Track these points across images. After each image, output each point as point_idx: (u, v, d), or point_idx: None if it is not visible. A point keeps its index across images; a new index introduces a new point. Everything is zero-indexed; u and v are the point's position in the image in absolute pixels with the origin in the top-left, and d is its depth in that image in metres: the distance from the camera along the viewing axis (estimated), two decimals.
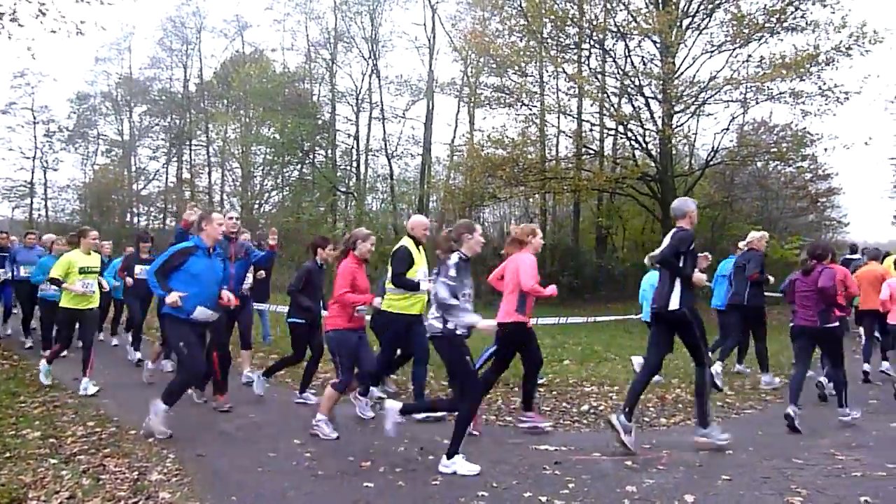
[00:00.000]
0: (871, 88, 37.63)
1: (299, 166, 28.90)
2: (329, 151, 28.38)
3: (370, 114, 28.32)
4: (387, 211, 27.01)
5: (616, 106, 18.78)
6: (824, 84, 17.13)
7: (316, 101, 28.43)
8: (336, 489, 4.46)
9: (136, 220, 32.68)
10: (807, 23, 17.14)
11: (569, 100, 20.46)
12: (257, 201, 30.11)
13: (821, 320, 6.15)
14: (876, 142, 49.68)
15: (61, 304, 7.28)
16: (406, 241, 6.36)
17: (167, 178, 33.54)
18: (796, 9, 17.12)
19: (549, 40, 18.91)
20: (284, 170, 29.36)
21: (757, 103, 18.80)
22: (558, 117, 20.81)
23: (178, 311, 5.52)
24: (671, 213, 5.88)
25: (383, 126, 28.01)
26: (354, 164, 28.82)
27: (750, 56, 17.84)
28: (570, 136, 20.68)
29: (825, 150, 18.56)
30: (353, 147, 28.61)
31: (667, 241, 5.63)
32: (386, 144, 27.88)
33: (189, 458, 5.01)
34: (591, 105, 20.46)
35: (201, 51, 32.50)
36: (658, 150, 18.42)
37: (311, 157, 28.05)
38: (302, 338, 7.02)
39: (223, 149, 31.64)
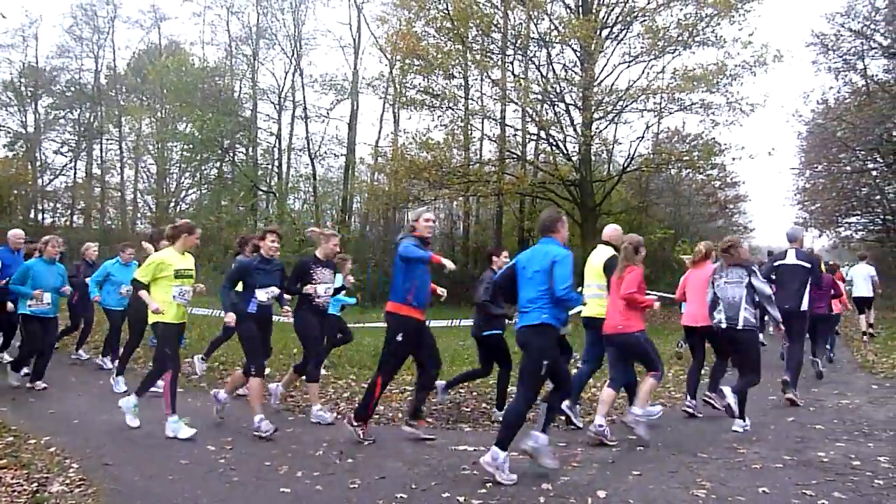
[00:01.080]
0: (774, 102, 40.10)
1: (218, 164, 28.04)
2: (250, 149, 27.70)
3: (293, 112, 27.84)
4: (310, 211, 26.56)
5: (538, 112, 19.17)
6: (732, 97, 18.10)
7: (237, 97, 27.69)
8: (251, 495, 4.36)
9: (40, 217, 30.82)
10: (717, 38, 18.06)
11: (493, 104, 20.73)
12: (173, 200, 29.02)
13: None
14: (779, 152, 52.95)
15: (156, 320, 5.77)
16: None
17: (75, 174, 31.81)
18: (707, 25, 18.01)
19: (474, 44, 19.12)
20: (203, 167, 28.43)
21: (670, 113, 19.71)
22: (482, 121, 21.06)
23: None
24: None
25: (306, 125, 27.61)
26: (276, 163, 28.26)
27: (664, 68, 18.68)
28: (494, 141, 20.97)
29: (733, 159, 19.65)
30: (274, 146, 28.06)
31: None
32: (309, 144, 27.48)
33: (94, 467, 4.78)
34: (515, 110, 20.82)
35: (114, 41, 31.01)
36: (578, 155, 18.93)
37: (231, 154, 27.29)
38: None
39: (137, 144, 30.29)
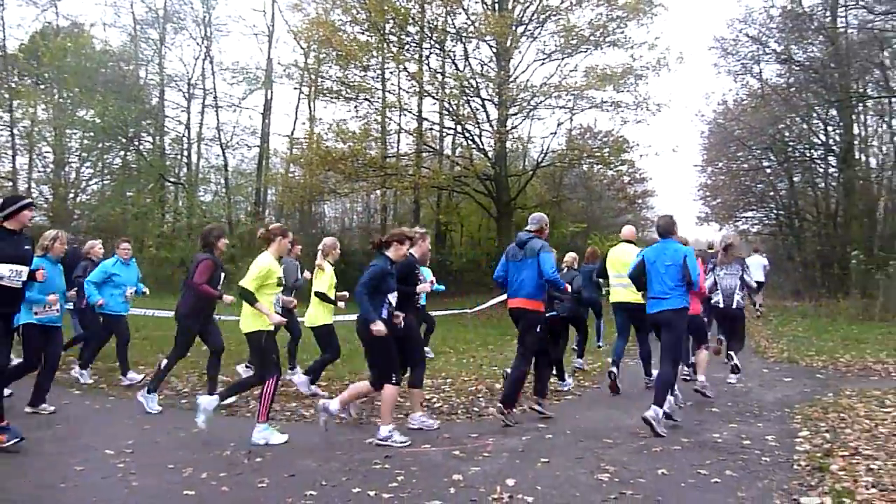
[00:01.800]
0: (679, 102, 42.11)
1: (123, 153, 26.62)
2: (157, 138, 26.46)
3: (203, 101, 26.80)
4: (221, 203, 25.70)
5: (455, 106, 19.31)
6: (639, 96, 18.86)
7: (143, 83, 26.36)
8: (152, 500, 4.18)
9: None
10: (626, 39, 18.77)
11: (410, 97, 20.73)
12: (73, 190, 27.35)
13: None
14: (683, 150, 55.42)
15: (259, 328, 5.50)
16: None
17: None
18: (617, 26, 18.68)
19: (391, 37, 19.03)
20: (105, 156, 26.92)
21: (582, 110, 20.34)
22: (399, 114, 21.01)
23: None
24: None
25: (217, 114, 26.65)
26: (185, 153, 27.14)
27: (577, 66, 19.22)
28: (411, 134, 20.96)
29: (640, 155, 20.48)
30: (183, 135, 26.92)
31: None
32: (220, 134, 26.53)
33: None
34: (432, 104, 20.90)
35: (4, 19, 28.83)
36: (493, 150, 19.20)
37: (137, 143, 25.96)
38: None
39: (31, 131, 28.32)
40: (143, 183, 24.81)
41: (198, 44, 26.17)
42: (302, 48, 23.78)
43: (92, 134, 24.54)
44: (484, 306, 15.64)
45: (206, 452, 5.13)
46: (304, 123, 25.74)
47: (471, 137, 19.66)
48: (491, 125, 18.86)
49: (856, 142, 21.07)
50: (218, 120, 26.60)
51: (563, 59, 19.14)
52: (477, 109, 19.05)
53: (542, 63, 19.40)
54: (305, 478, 4.54)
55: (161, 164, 25.08)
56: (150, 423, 6.03)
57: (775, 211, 29.27)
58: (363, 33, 19.03)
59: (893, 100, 19.56)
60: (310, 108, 26.39)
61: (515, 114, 19.04)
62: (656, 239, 6.26)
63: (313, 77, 22.04)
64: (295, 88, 25.67)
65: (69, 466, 4.73)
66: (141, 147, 25.97)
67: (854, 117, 20.67)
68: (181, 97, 26.75)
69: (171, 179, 25.82)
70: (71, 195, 26.53)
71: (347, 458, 5.00)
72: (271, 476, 4.57)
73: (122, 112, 23.07)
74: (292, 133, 26.39)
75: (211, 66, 26.41)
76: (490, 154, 19.48)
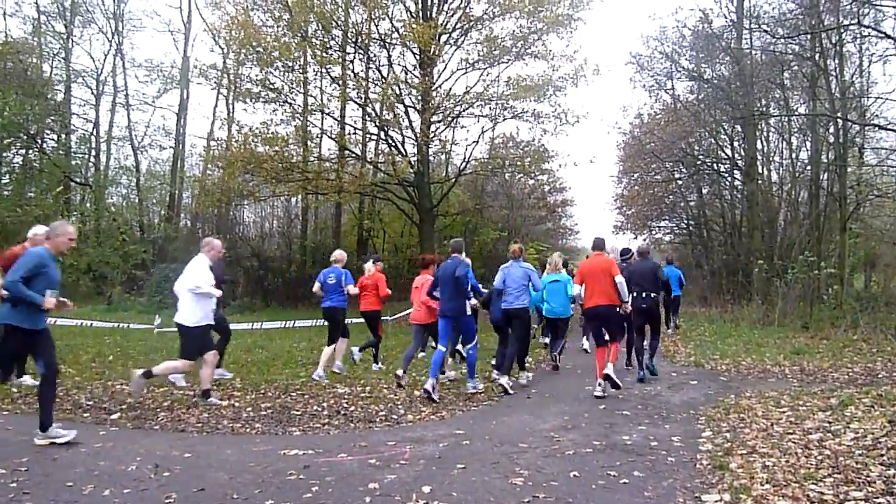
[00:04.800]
0: (598, 114, 43.53)
1: (24, 151, 25.10)
2: (63, 137, 25.09)
3: (114, 99, 25.70)
4: (131, 206, 24.61)
5: (378, 112, 19.24)
6: (558, 108, 19.36)
7: (46, 78, 24.96)
8: None
9: None
10: (546, 51, 19.22)
11: (332, 101, 20.50)
12: None
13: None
14: (600, 161, 57.11)
15: None
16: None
17: None
18: (538, 38, 19.12)
19: (314, 39, 18.76)
20: (4, 154, 25.31)
21: (504, 119, 20.67)
22: (322, 117, 20.74)
23: None
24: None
25: (128, 113, 25.58)
26: (93, 152, 25.87)
27: (499, 76, 19.54)
28: (333, 138, 20.73)
29: (559, 165, 21.03)
30: (91, 134, 25.66)
31: None
32: (132, 133, 25.45)
33: None
34: (355, 109, 20.74)
35: None
36: (416, 157, 19.25)
37: (40, 141, 24.53)
38: None
39: None
40: (46, 184, 23.45)
41: (108, 39, 25.09)
42: (221, 48, 23.15)
43: None
44: (405, 313, 15.60)
45: (109, 468, 4.86)
46: (222, 125, 25.03)
47: (394, 143, 19.64)
48: (414, 132, 18.90)
49: (758, 157, 22.31)
50: (129, 119, 25.64)
51: (485, 68, 19.43)
52: (400, 116, 19.05)
53: (466, 72, 19.63)
54: (215, 491, 4.39)
55: (66, 164, 23.81)
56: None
57: (686, 220, 30.67)
58: (285, 35, 18.68)
59: (792, 118, 20.84)
60: (228, 108, 25.71)
61: (439, 121, 19.15)
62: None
63: (232, 77, 21.46)
64: (212, 89, 24.96)
65: None
66: (44, 145, 24.56)
67: (757, 134, 21.86)
68: (89, 94, 25.54)
69: (78, 180, 24.54)
70: None
71: (261, 470, 4.86)
72: (179, 490, 4.39)
73: (23, 107, 21.74)
74: (210, 134, 25.66)
75: (122, 63, 25.44)
76: (413, 160, 19.54)
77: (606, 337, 7.88)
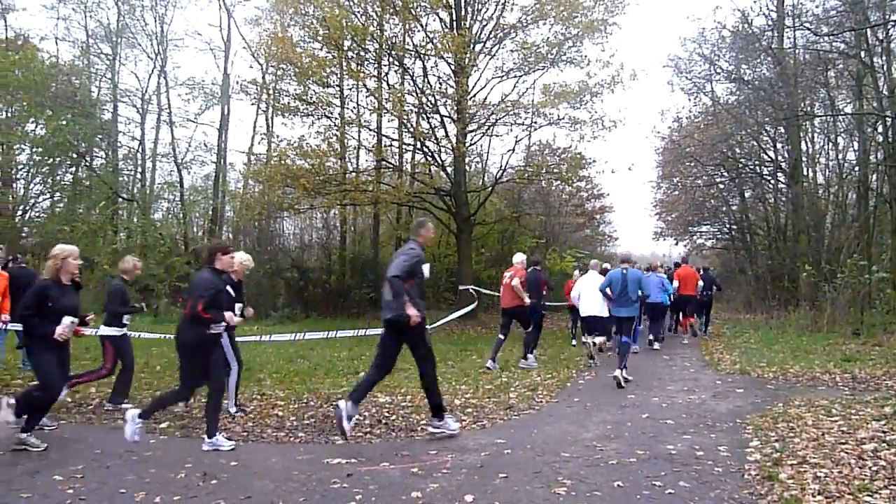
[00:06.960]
0: (636, 118, 43.02)
1: (74, 169, 25.96)
2: (110, 154, 25.88)
3: (158, 116, 26.39)
4: (176, 220, 25.22)
5: (414, 122, 19.37)
6: (595, 113, 19.21)
7: (95, 98, 25.80)
8: None
9: None
10: (581, 57, 19.13)
11: (369, 114, 20.70)
12: (21, 207, 26.53)
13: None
14: (639, 166, 56.39)
15: None
16: None
17: None
18: (573, 44, 19.03)
19: (349, 53, 19.00)
20: (55, 173, 26.22)
21: (540, 127, 20.57)
22: (359, 130, 20.94)
23: None
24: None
25: (171, 130, 26.23)
26: (139, 169, 26.62)
27: (534, 83, 19.50)
28: (370, 150, 20.92)
29: (598, 172, 20.86)
30: (137, 151, 26.41)
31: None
32: (175, 150, 26.09)
33: None
34: (391, 120, 20.90)
35: None
36: (452, 166, 19.29)
37: (89, 159, 25.34)
38: None
39: None
40: (95, 200, 24.20)
41: (151, 59, 25.81)
42: (259, 64, 23.63)
43: (42, 149, 23.91)
44: (443, 322, 15.61)
45: (159, 476, 4.99)
46: (261, 139, 25.51)
47: (430, 153, 19.73)
48: (450, 141, 18.96)
49: (803, 158, 21.76)
50: (173, 136, 26.20)
51: (520, 76, 19.40)
52: (436, 126, 19.13)
53: (501, 80, 19.63)
54: (261, 499, 4.46)
55: (113, 181, 24.52)
56: (100, 446, 5.85)
57: (728, 225, 30.05)
58: (322, 49, 18.97)
59: (838, 118, 20.29)
60: (268, 123, 26.20)
61: (474, 130, 19.18)
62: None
63: (271, 93, 21.86)
64: (252, 104, 25.46)
65: (13, 494, 4.55)
66: (92, 163, 25.37)
67: (801, 135, 21.32)
68: (135, 112, 26.30)
69: (125, 196, 25.26)
70: (20, 212, 25.78)
71: (305, 478, 4.93)
72: (227, 498, 4.48)
73: (74, 127, 22.52)
74: (250, 149, 26.14)
75: (165, 82, 26.08)
76: (449, 170, 19.57)
77: None
